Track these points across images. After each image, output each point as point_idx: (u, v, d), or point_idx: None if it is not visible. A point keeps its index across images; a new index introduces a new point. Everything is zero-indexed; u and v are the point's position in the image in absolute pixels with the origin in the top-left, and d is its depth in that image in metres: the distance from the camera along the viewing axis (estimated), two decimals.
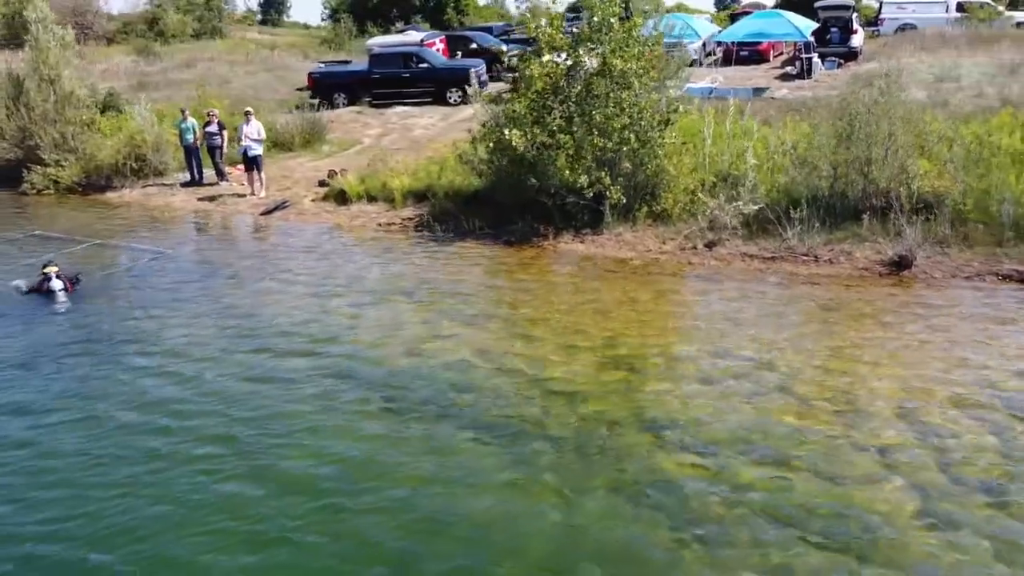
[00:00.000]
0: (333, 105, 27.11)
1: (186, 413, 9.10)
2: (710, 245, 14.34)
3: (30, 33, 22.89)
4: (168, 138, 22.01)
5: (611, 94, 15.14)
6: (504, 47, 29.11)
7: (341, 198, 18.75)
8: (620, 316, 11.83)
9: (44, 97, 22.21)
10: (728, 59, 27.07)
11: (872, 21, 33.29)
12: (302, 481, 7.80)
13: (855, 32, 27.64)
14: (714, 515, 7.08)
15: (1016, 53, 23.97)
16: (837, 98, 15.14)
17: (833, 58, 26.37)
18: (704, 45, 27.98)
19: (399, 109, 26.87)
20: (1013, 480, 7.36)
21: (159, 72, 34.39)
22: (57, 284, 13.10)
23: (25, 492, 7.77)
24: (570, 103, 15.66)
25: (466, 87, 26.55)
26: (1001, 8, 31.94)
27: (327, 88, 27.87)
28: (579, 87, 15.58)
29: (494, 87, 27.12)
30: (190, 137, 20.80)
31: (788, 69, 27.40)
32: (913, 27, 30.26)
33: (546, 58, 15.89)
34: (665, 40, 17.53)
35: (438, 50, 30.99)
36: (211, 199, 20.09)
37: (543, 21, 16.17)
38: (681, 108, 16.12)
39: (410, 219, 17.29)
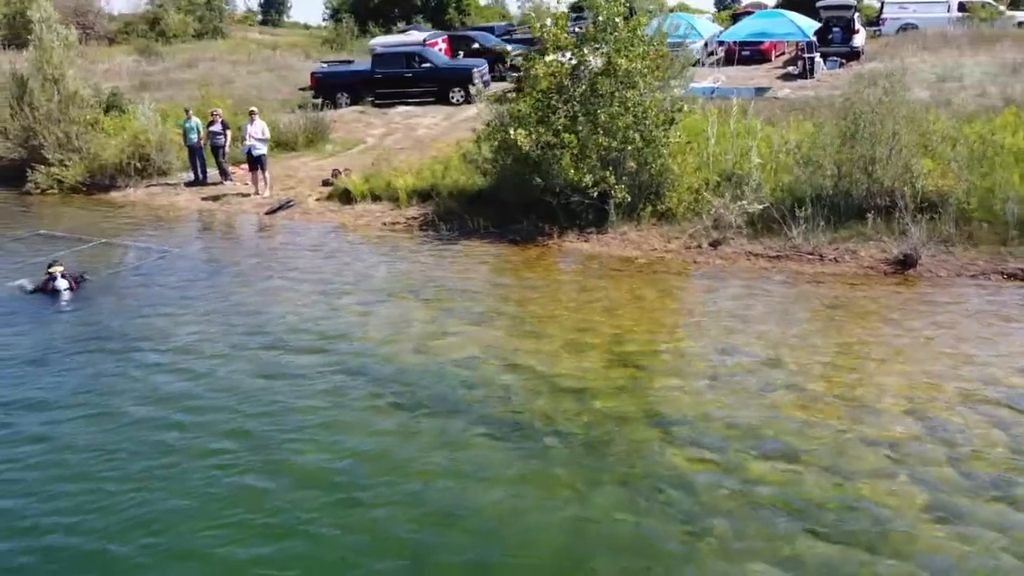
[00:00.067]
0: (336, 105, 27.14)
1: (199, 408, 9.19)
2: (715, 244, 14.39)
3: (34, 33, 22.89)
4: (172, 138, 22.06)
5: (616, 93, 15.19)
6: (509, 47, 29.09)
7: (345, 197, 18.79)
8: (627, 314, 11.89)
9: (48, 97, 22.21)
10: (730, 59, 27.10)
11: (873, 21, 33.35)
12: (315, 475, 7.87)
13: (857, 32, 27.69)
14: (725, 508, 7.14)
15: (1018, 52, 24.01)
16: (841, 97, 15.16)
17: (835, 58, 26.42)
18: (706, 45, 28.02)
19: (402, 109, 26.92)
20: (1021, 473, 7.42)
21: (161, 72, 34.40)
22: (62, 284, 13.16)
23: (43, 485, 7.85)
24: (574, 102, 15.71)
25: (469, 87, 26.69)
26: (1003, 8, 32.01)
27: (330, 88, 27.91)
28: (584, 86, 15.63)
29: (497, 87, 27.27)
30: (194, 137, 20.84)
31: (790, 69, 27.45)
32: (915, 27, 30.32)
33: (551, 58, 15.94)
34: (668, 40, 17.58)
35: (440, 50, 31.02)
36: (215, 199, 20.14)
37: (548, 21, 16.21)
38: (686, 107, 16.12)
39: (415, 218, 17.34)
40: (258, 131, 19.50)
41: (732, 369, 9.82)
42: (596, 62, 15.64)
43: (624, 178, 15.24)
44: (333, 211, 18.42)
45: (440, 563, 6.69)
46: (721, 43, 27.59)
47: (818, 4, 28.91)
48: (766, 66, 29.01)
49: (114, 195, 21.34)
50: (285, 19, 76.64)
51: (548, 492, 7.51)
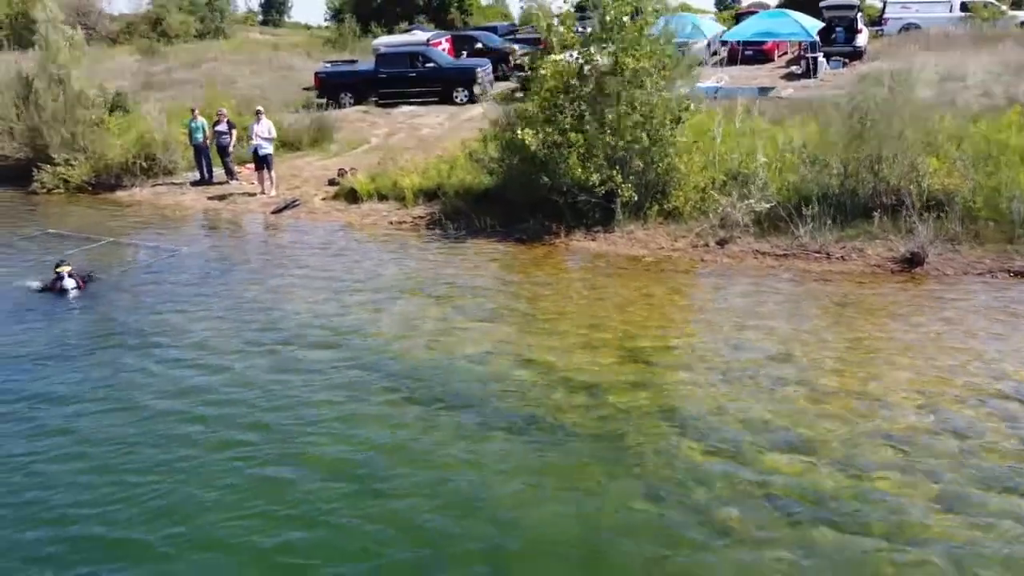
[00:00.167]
0: (340, 105, 27.17)
1: (218, 402, 9.32)
2: (722, 242, 14.45)
3: (39, 33, 22.92)
4: (177, 137, 22.11)
5: (623, 93, 15.25)
6: (516, 47, 29.14)
7: (352, 197, 18.85)
8: (636, 311, 11.96)
9: (54, 97, 22.25)
10: (733, 58, 27.16)
11: (876, 21, 33.41)
12: (334, 466, 8.00)
13: (860, 32, 27.76)
14: (740, 499, 7.24)
15: (1021, 52, 24.05)
16: (846, 97, 15.21)
17: (838, 58, 26.48)
18: (708, 45, 28.08)
19: (405, 109, 26.95)
20: None
21: (163, 72, 34.42)
22: (70, 283, 13.23)
23: (69, 477, 7.97)
24: (581, 102, 15.76)
25: (472, 87, 26.76)
26: (1005, 7, 32.06)
27: (334, 88, 27.94)
28: (591, 86, 15.68)
29: (499, 87, 27.37)
30: (200, 136, 20.88)
31: (793, 69, 27.52)
32: (917, 27, 30.38)
33: (557, 57, 15.99)
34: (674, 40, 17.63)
35: (444, 50, 31.06)
36: (221, 198, 20.18)
37: (555, 20, 16.27)
38: (692, 106, 16.18)
39: (421, 217, 17.40)
40: (264, 130, 19.55)
41: (743, 365, 9.89)
42: (603, 61, 15.68)
43: (631, 177, 15.29)
44: (339, 210, 18.48)
45: (459, 552, 6.78)
46: (724, 43, 27.63)
47: (821, 4, 28.97)
48: (769, 66, 29.09)
49: (120, 194, 21.38)
50: (286, 19, 76.60)
51: (565, 484, 7.60)
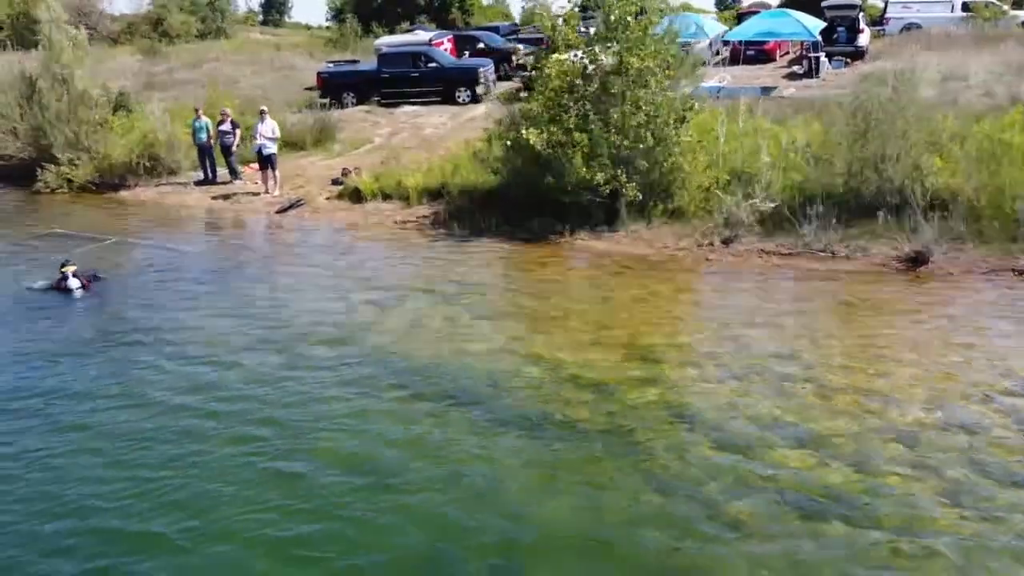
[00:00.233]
0: (342, 105, 27.15)
1: (229, 398, 9.41)
2: (727, 242, 14.50)
3: (43, 33, 22.97)
4: (181, 137, 22.14)
5: (628, 92, 15.29)
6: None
7: (356, 196, 18.89)
8: (642, 310, 12.01)
9: (57, 96, 22.29)
10: (735, 58, 27.20)
11: (877, 20, 33.44)
12: (347, 461, 8.09)
13: (862, 31, 27.77)
14: (749, 495, 7.26)
15: (1022, 52, 24.10)
16: (850, 96, 15.26)
17: (840, 57, 26.50)
18: (710, 44, 28.11)
19: (408, 108, 26.94)
20: None
21: (165, 72, 34.45)
22: (74, 283, 13.27)
23: (85, 471, 8.05)
24: (585, 102, 15.79)
25: (475, 87, 26.79)
26: (1006, 7, 32.08)
27: (336, 88, 27.94)
28: (595, 85, 15.72)
29: (502, 87, 27.41)
30: (203, 136, 20.92)
31: (795, 68, 27.54)
32: (918, 26, 30.40)
33: (562, 56, 16.03)
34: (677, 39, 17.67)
35: (446, 50, 31.09)
36: (225, 198, 20.22)
37: (559, 20, 16.32)
38: (697, 106, 16.22)
39: (425, 217, 17.44)
40: (268, 130, 19.58)
41: (750, 362, 9.93)
42: (607, 61, 15.72)
43: (635, 177, 15.33)
44: (344, 210, 18.53)
45: (473, 544, 6.86)
46: (726, 43, 27.67)
47: (823, 4, 28.99)
48: (770, 66, 29.10)
49: (124, 194, 21.43)
50: (286, 19, 76.64)
51: (576, 478, 7.67)
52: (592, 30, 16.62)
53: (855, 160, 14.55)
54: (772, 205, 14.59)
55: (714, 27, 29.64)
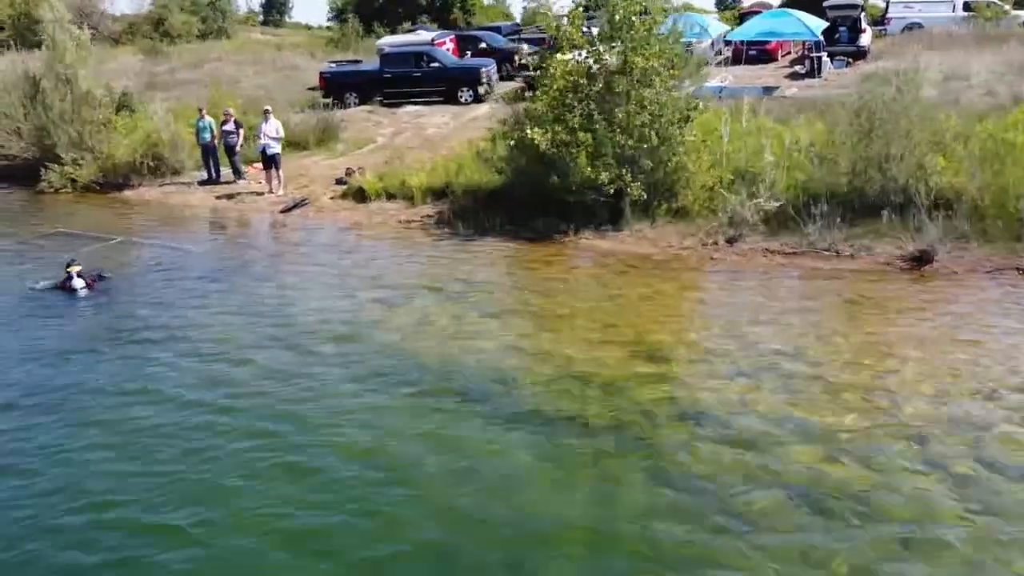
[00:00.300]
0: (344, 104, 27.19)
1: (243, 393, 9.53)
2: (731, 241, 14.54)
3: (47, 33, 23.00)
4: (184, 137, 22.18)
5: (632, 92, 15.33)
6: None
7: (360, 196, 18.93)
8: (647, 309, 12.05)
9: (61, 96, 22.32)
10: (737, 58, 27.25)
11: (879, 20, 33.49)
12: (361, 454, 8.22)
13: (863, 31, 27.84)
14: (758, 493, 7.30)
15: None
16: (855, 96, 15.29)
17: (842, 57, 26.56)
18: (712, 44, 28.17)
19: (410, 108, 26.98)
20: None
21: (167, 72, 34.47)
22: (78, 283, 13.31)
23: (105, 465, 8.19)
24: (590, 101, 15.83)
25: (477, 87, 26.83)
26: (1008, 7, 32.13)
27: (339, 87, 27.97)
28: (599, 85, 15.76)
29: (504, 87, 27.45)
30: (207, 136, 20.96)
31: (797, 68, 27.61)
32: (920, 26, 30.46)
33: (567, 56, 16.08)
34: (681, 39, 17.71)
35: (448, 50, 31.13)
36: (229, 197, 20.25)
37: (564, 20, 16.36)
38: (701, 105, 16.27)
39: (430, 216, 17.48)
40: (272, 130, 19.62)
41: (757, 361, 9.97)
42: (611, 60, 15.76)
43: (640, 176, 15.36)
44: (348, 209, 18.56)
45: (485, 535, 6.99)
46: (728, 43, 27.72)
47: (825, 4, 29.04)
48: (772, 65, 29.17)
49: (128, 194, 21.47)
50: (287, 19, 76.69)
51: (587, 474, 7.77)
52: (595, 30, 16.64)
53: (859, 159, 14.59)
54: (776, 204, 14.63)
55: (717, 27, 29.70)
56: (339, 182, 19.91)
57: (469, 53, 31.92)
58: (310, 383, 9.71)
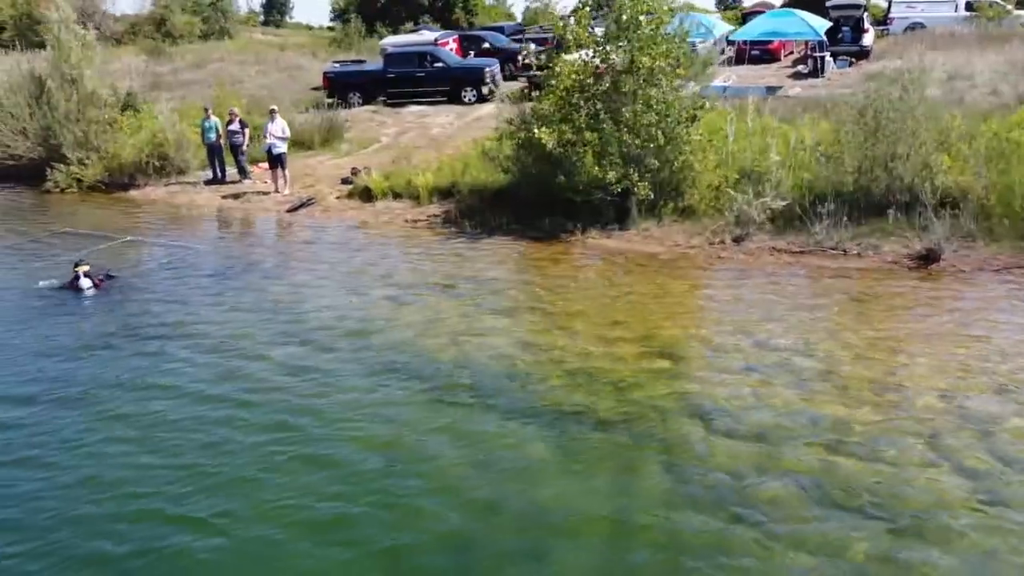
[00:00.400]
0: (348, 104, 27.28)
1: (260, 388, 9.67)
2: (738, 240, 14.60)
3: (52, 33, 23.04)
4: (189, 136, 22.23)
5: (639, 92, 15.38)
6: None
7: (366, 195, 18.99)
8: (656, 307, 12.10)
9: (66, 96, 22.36)
10: (740, 58, 27.33)
11: (881, 20, 33.56)
12: (379, 446, 8.33)
13: (866, 31, 27.92)
14: (769, 492, 7.33)
15: None
16: (861, 95, 15.33)
17: (845, 57, 26.64)
18: (715, 44, 28.24)
19: (414, 108, 27.09)
20: None
21: (170, 72, 34.53)
22: (85, 283, 13.35)
23: (127, 457, 8.30)
24: (596, 101, 15.88)
25: (481, 87, 26.90)
26: (1010, 7, 32.21)
27: (342, 87, 28.07)
28: (606, 85, 15.80)
29: (507, 87, 27.51)
30: (212, 135, 21.01)
31: (800, 68, 27.69)
32: (922, 26, 30.56)
33: (573, 56, 16.12)
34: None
35: (451, 50, 31.22)
36: (235, 197, 20.30)
37: (571, 20, 16.40)
38: (707, 105, 16.32)
39: (436, 216, 17.53)
40: (278, 129, 19.68)
41: (766, 359, 10.03)
42: (618, 60, 15.80)
43: (647, 175, 15.41)
44: (354, 208, 18.62)
45: (505, 523, 7.10)
46: (731, 42, 27.79)
47: (828, 3, 29.12)
48: (775, 65, 29.27)
49: (134, 194, 21.52)
50: (287, 20, 76.76)
51: (602, 466, 7.85)
52: (598, 30, 16.69)
53: (865, 159, 14.64)
54: (783, 203, 14.68)
55: (721, 27, 29.79)
56: (345, 182, 19.97)
57: (472, 53, 32.01)
58: (326, 378, 9.82)
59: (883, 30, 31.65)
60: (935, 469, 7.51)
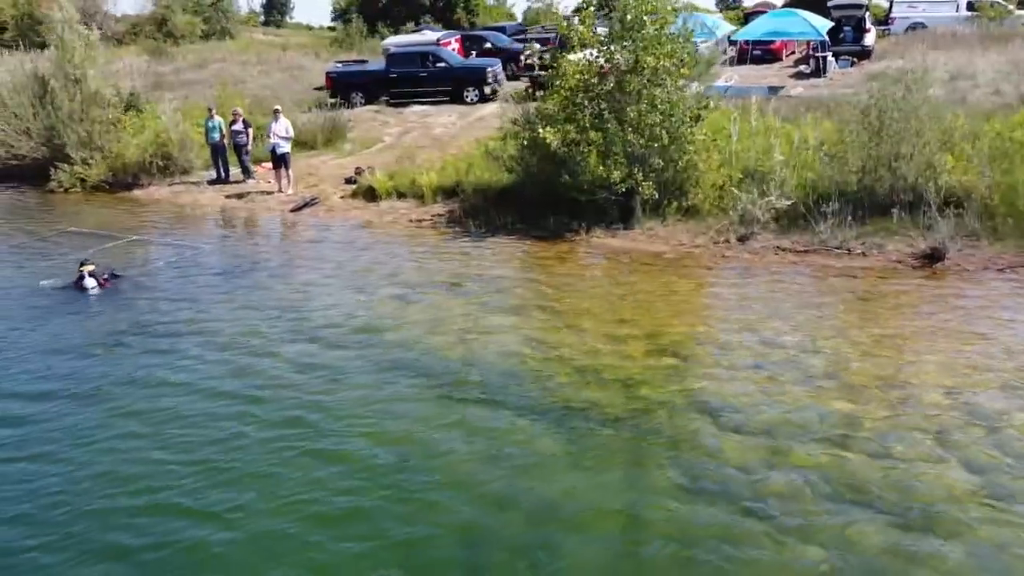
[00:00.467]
0: (351, 104, 27.33)
1: (271, 385, 9.75)
2: (743, 239, 14.64)
3: (55, 33, 23.08)
4: (193, 136, 22.27)
5: (643, 91, 15.42)
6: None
7: (370, 195, 19.03)
8: (662, 306, 12.15)
9: (70, 96, 22.39)
10: (742, 58, 27.37)
11: (882, 20, 33.61)
12: (392, 441, 8.40)
13: (868, 31, 27.97)
14: (776, 489, 7.39)
15: None
16: (865, 95, 15.38)
17: (846, 57, 26.69)
18: (716, 44, 28.29)
19: (417, 108, 27.13)
20: None
21: (172, 72, 34.58)
22: (90, 283, 13.40)
23: (141, 452, 8.38)
24: (600, 100, 15.92)
25: (484, 86, 26.94)
26: (1011, 7, 32.27)
27: (345, 87, 28.12)
28: (610, 84, 15.84)
29: (510, 86, 27.54)
30: (216, 135, 21.05)
31: (802, 68, 27.73)
32: (923, 26, 30.62)
33: (578, 56, 16.16)
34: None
35: (454, 50, 31.25)
36: (239, 196, 20.34)
37: (575, 19, 16.45)
38: (711, 104, 16.36)
39: (440, 215, 17.57)
40: (282, 129, 19.71)
41: (771, 358, 10.06)
42: (622, 60, 15.83)
43: (651, 175, 15.45)
44: (359, 208, 18.66)
45: (515, 518, 7.17)
46: (733, 42, 27.83)
47: (829, 4, 29.17)
48: (777, 65, 29.31)
49: (137, 193, 21.56)
50: (288, 20, 76.80)
51: (610, 463, 7.89)
52: (601, 29, 16.73)
53: (869, 158, 14.68)
54: (787, 203, 14.72)
55: (723, 27, 29.85)
56: (348, 181, 20.01)
57: (474, 53, 32.04)
58: (336, 375, 9.89)
59: (884, 30, 31.70)
60: (944, 464, 7.58)
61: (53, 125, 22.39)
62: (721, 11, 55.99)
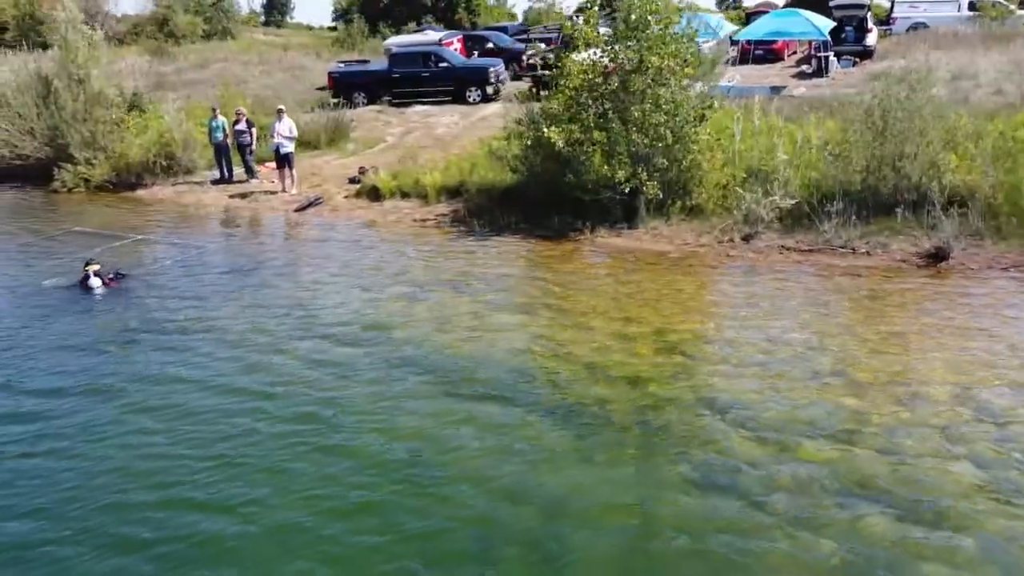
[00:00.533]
0: (353, 104, 27.37)
1: (283, 381, 9.82)
2: (747, 238, 14.70)
3: (59, 33, 23.13)
4: (196, 136, 22.32)
5: (648, 91, 15.47)
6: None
7: (374, 194, 19.07)
8: (668, 305, 12.19)
9: (73, 96, 22.44)
10: (744, 58, 27.42)
11: (884, 20, 33.67)
12: (406, 437, 8.46)
13: (870, 31, 28.02)
14: (785, 486, 7.42)
15: None
16: (869, 94, 15.43)
17: (848, 57, 26.74)
18: (718, 44, 28.33)
19: (419, 108, 27.18)
20: None
21: (174, 72, 34.59)
22: (95, 282, 13.46)
23: (156, 448, 8.47)
24: (604, 100, 15.97)
25: (486, 86, 26.99)
26: (1013, 7, 32.34)
27: (347, 87, 28.16)
28: (615, 84, 15.90)
29: (512, 86, 27.60)
30: (220, 135, 21.10)
31: (803, 68, 27.77)
32: (925, 26, 30.69)
33: (582, 55, 16.22)
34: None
35: (456, 50, 31.30)
36: (243, 196, 20.39)
37: (579, 19, 16.50)
38: (716, 104, 16.41)
39: (444, 215, 17.62)
40: (286, 129, 19.76)
41: (778, 356, 10.12)
42: (627, 59, 15.89)
43: (655, 174, 15.50)
44: (362, 208, 18.70)
45: (525, 512, 7.22)
46: (734, 42, 27.89)
47: (831, 3, 29.21)
48: (779, 65, 29.35)
49: (141, 193, 21.62)
50: (288, 20, 76.83)
51: (613, 468, 7.88)
52: (603, 29, 16.78)
53: (873, 158, 14.74)
54: (791, 202, 14.77)
55: (726, 27, 29.91)
56: (352, 181, 20.06)
57: (476, 53, 32.08)
58: (346, 372, 9.96)
59: (886, 30, 31.74)
60: (952, 459, 7.64)
61: (57, 125, 22.45)
62: (722, 11, 56.01)
